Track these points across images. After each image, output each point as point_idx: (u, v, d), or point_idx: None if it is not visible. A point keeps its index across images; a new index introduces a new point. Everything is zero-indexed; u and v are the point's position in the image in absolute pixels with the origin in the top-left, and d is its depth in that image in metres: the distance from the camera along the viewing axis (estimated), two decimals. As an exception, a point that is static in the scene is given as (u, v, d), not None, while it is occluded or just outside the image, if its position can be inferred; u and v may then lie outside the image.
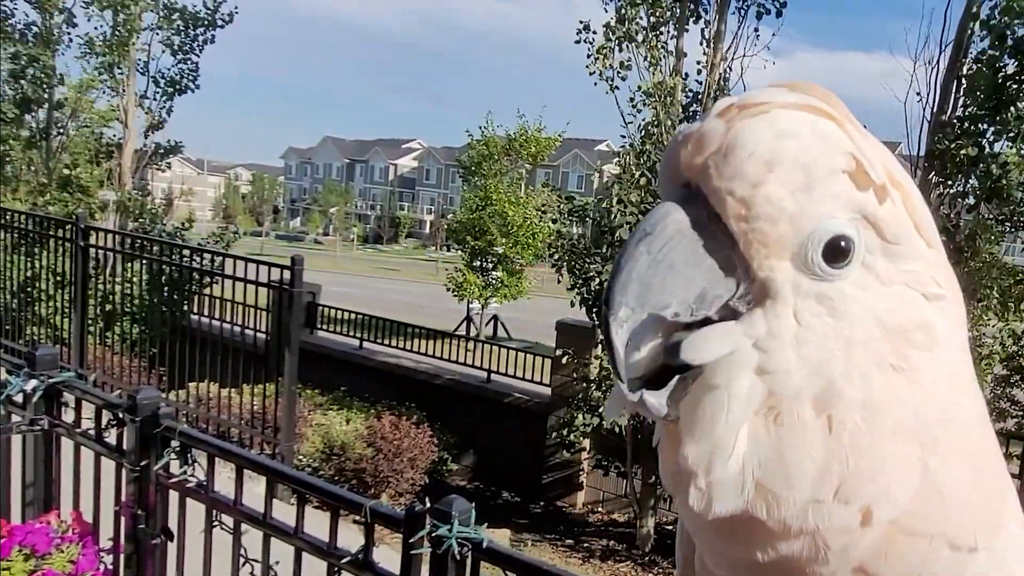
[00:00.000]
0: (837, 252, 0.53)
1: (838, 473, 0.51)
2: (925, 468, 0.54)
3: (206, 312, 7.03)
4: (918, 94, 8.79)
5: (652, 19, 9.33)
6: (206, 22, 12.92)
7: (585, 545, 9.67)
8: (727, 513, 0.52)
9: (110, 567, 2.54)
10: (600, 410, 8.88)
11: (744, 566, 0.56)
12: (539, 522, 10.39)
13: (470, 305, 21.96)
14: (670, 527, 10.50)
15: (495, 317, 23.15)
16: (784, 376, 0.51)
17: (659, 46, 9.40)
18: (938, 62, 8.71)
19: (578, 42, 9.61)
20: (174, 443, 2.40)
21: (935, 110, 8.73)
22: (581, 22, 9.65)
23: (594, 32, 9.55)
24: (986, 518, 0.58)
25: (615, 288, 0.52)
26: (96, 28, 12.51)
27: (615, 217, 8.90)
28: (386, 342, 13.05)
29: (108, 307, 7.92)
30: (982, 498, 0.57)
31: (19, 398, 2.73)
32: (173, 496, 2.47)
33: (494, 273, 21.14)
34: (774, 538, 0.53)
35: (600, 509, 11.19)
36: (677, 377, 0.53)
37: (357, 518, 2.11)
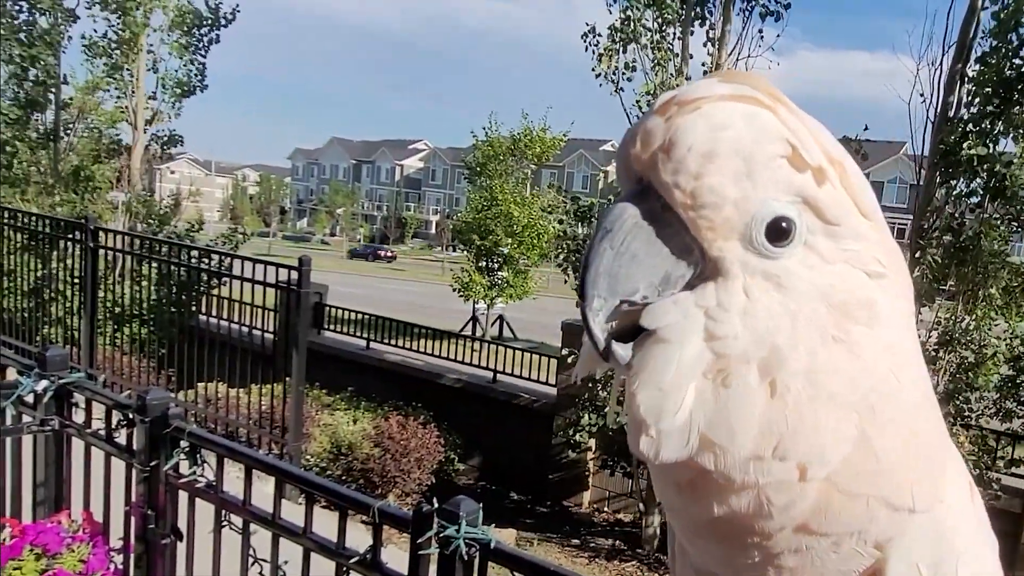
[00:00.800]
0: (779, 232, 0.57)
1: (778, 433, 0.56)
2: (861, 433, 0.58)
3: (214, 313, 7.05)
4: (921, 94, 8.77)
5: (658, 22, 9.33)
6: (210, 22, 12.97)
7: (591, 544, 9.66)
8: (673, 459, 0.56)
9: (120, 567, 2.54)
10: (606, 410, 8.87)
11: (704, 527, 0.61)
12: (545, 522, 10.39)
13: (476, 305, 21.96)
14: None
15: (501, 317, 23.14)
16: (732, 341, 0.56)
17: (664, 48, 9.39)
18: (941, 62, 8.68)
19: (586, 49, 9.63)
20: (183, 443, 2.41)
21: (939, 110, 8.70)
22: (587, 24, 9.67)
23: (599, 35, 9.56)
24: (923, 482, 0.62)
25: (587, 282, 0.57)
26: (95, 31, 12.56)
27: None
28: (393, 342, 13.07)
29: (117, 308, 7.94)
30: (918, 463, 0.62)
31: (30, 399, 2.74)
32: (182, 496, 2.47)
33: (500, 273, 21.13)
34: (723, 492, 0.58)
35: (606, 509, 11.19)
36: (642, 333, 0.58)
37: (365, 518, 2.11)
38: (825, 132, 0.60)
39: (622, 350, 0.58)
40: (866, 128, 8.78)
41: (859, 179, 0.61)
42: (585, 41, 9.60)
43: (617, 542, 9.77)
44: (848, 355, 0.58)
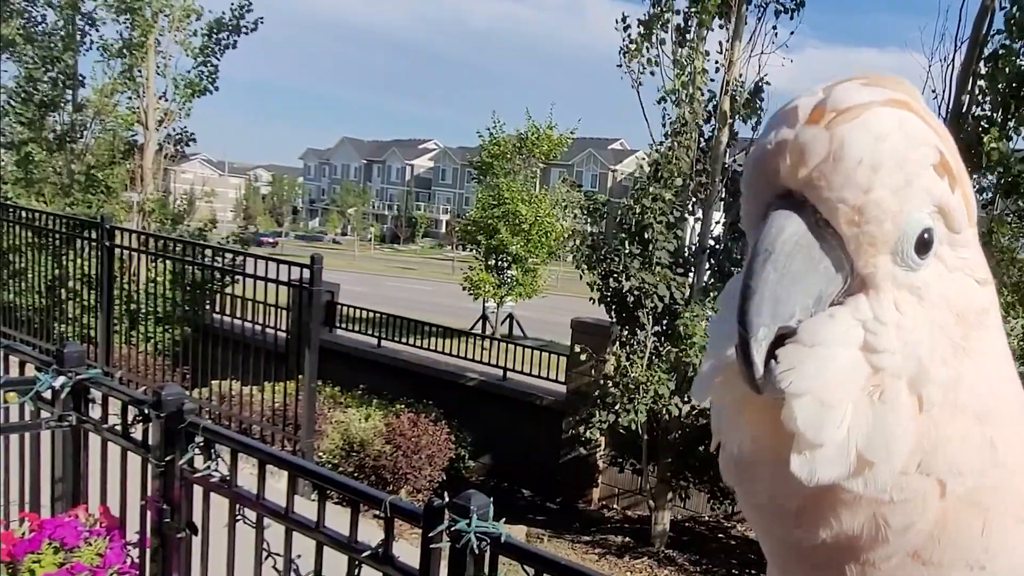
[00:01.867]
0: (924, 244, 0.56)
1: (923, 448, 0.54)
2: (991, 444, 0.57)
3: (228, 311, 7.09)
4: (934, 91, 8.70)
5: (687, 17, 9.38)
6: (230, 27, 13.03)
7: (601, 541, 9.66)
8: (829, 480, 0.53)
9: (136, 560, 2.57)
10: (616, 407, 8.86)
11: (802, 552, 0.58)
12: (555, 518, 10.39)
13: (485, 304, 21.98)
14: (686, 523, 10.45)
15: (510, 316, 23.15)
16: (889, 355, 0.54)
17: (691, 43, 9.43)
18: (953, 59, 8.61)
19: (622, 51, 9.66)
20: (198, 438, 2.43)
21: (951, 106, 8.63)
22: (616, 20, 9.68)
23: (629, 26, 9.59)
24: None
25: (750, 311, 0.53)
26: (118, 33, 12.66)
27: (646, 215, 8.96)
28: (404, 340, 13.10)
29: (133, 306, 8.01)
30: None
31: (48, 395, 2.77)
32: (197, 491, 2.49)
33: (509, 272, 21.14)
34: (838, 514, 0.55)
35: (615, 506, 11.18)
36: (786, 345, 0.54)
37: (377, 514, 2.12)
38: (950, 136, 0.59)
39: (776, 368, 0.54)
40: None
41: (970, 187, 0.60)
42: (617, 30, 9.66)
43: (627, 539, 9.76)
44: (973, 364, 0.57)
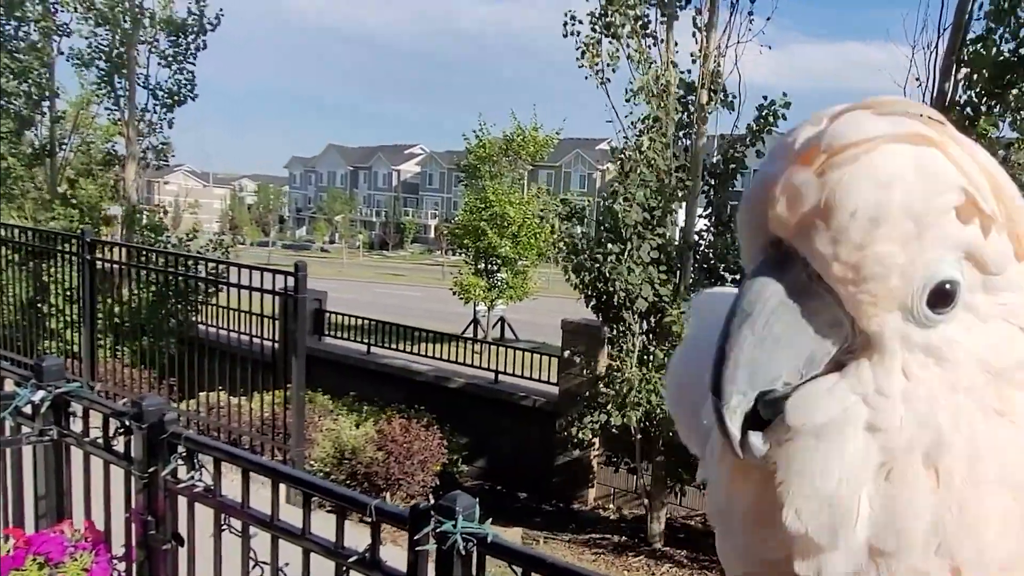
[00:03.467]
0: (943, 296, 0.49)
1: (944, 527, 0.48)
2: (1022, 522, 0.50)
3: (213, 322, 7.06)
4: (917, 78, 8.75)
5: (637, 9, 9.25)
6: (195, 29, 12.98)
7: (598, 541, 9.67)
8: None
9: (123, 574, 2.55)
10: (608, 407, 8.88)
11: None
12: (551, 520, 10.40)
13: (476, 308, 21.98)
14: (680, 521, 10.48)
15: (501, 319, 23.16)
16: (896, 433, 0.48)
17: (646, 37, 9.35)
18: (936, 46, 8.67)
19: (566, 35, 9.58)
20: (180, 449, 2.42)
21: (935, 94, 8.69)
22: (567, 13, 9.57)
23: (580, 22, 9.50)
24: None
25: (723, 378, 0.49)
26: (88, 42, 12.57)
27: (621, 216, 8.91)
28: (394, 346, 13.08)
29: (116, 320, 7.96)
30: None
31: (27, 410, 2.75)
32: (182, 502, 2.48)
33: (499, 275, 21.15)
34: None
35: (610, 505, 11.19)
36: (779, 418, 0.50)
37: (365, 519, 2.12)
38: (985, 156, 0.51)
39: (759, 440, 0.50)
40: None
41: (1020, 210, 0.52)
42: (566, 30, 9.52)
43: (623, 538, 9.77)
44: (1011, 428, 0.50)
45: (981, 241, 0.49)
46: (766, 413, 0.50)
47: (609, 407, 8.89)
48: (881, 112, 0.49)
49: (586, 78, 9.45)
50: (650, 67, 9.20)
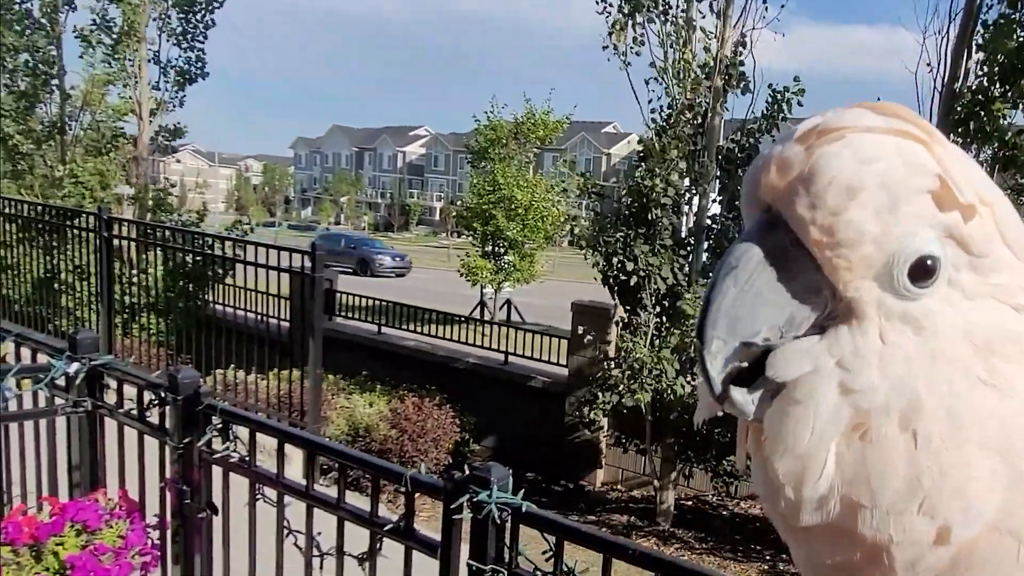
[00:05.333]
0: (923, 271, 0.53)
1: (925, 486, 0.52)
2: (1018, 475, 0.53)
3: (228, 301, 7.11)
4: (928, 64, 8.69)
5: None
6: (203, 5, 12.93)
7: (606, 521, 9.75)
8: (812, 524, 0.54)
9: (158, 541, 2.60)
10: (619, 388, 8.92)
11: (818, 569, 0.58)
12: (560, 499, 10.49)
13: (483, 290, 22.00)
14: (689, 502, 10.56)
15: (508, 301, 23.18)
16: (871, 394, 0.52)
17: (675, 20, 9.35)
18: (948, 31, 8.60)
19: (601, 12, 9.58)
20: (215, 420, 2.46)
21: (946, 80, 8.63)
22: None
23: (611, 5, 9.52)
24: None
25: (706, 323, 0.53)
26: (94, 19, 12.52)
27: (651, 197, 8.95)
28: (403, 327, 13.13)
29: (131, 298, 8.01)
30: None
31: (62, 382, 2.80)
32: (216, 472, 2.52)
33: (506, 257, 21.14)
34: (842, 544, 0.54)
35: (620, 486, 11.27)
36: (762, 377, 0.54)
37: (389, 496, 2.15)
38: (976, 169, 0.56)
39: (739, 395, 0.54)
40: (879, 100, 8.72)
41: (1011, 216, 0.56)
42: (598, 7, 9.55)
43: (632, 518, 9.85)
44: (998, 396, 0.53)
45: (961, 223, 0.53)
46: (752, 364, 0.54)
47: (620, 388, 8.93)
48: (879, 111, 0.54)
49: (608, 60, 9.46)
50: (683, 50, 9.22)
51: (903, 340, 0.52)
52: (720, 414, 0.57)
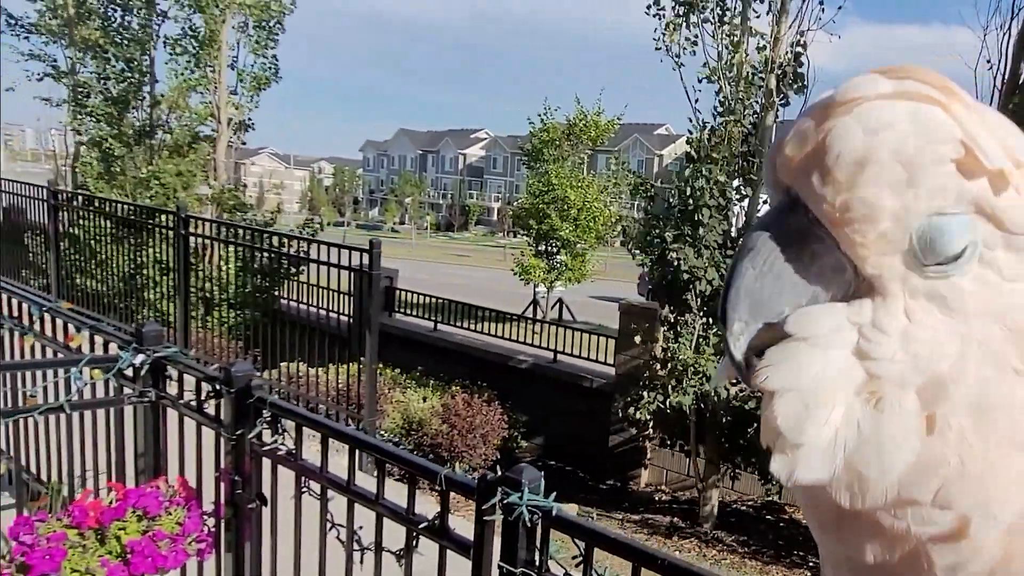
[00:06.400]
0: (949, 248, 0.48)
1: (941, 476, 0.47)
2: None
3: (294, 296, 7.25)
4: (988, 61, 8.24)
5: None
6: (276, 13, 13.27)
7: (649, 521, 9.59)
8: (809, 481, 0.49)
9: (212, 529, 2.65)
10: (664, 388, 8.75)
11: (854, 570, 0.53)
12: (605, 498, 10.37)
13: (536, 289, 21.97)
14: (733, 505, 10.29)
15: (560, 300, 23.09)
16: (887, 363, 0.48)
17: (730, 20, 9.14)
18: (1010, 27, 8.15)
19: (647, 12, 9.44)
20: (265, 413, 2.48)
21: (1007, 76, 8.17)
22: None
23: (662, 8, 9.37)
24: None
25: (727, 306, 0.51)
26: (182, 29, 13.00)
27: (698, 197, 8.78)
28: (459, 324, 13.21)
29: (206, 293, 8.26)
30: None
31: (129, 372, 2.88)
32: (266, 463, 2.55)
33: (558, 257, 21.07)
34: (873, 537, 0.50)
35: (664, 487, 11.08)
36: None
37: (433, 492, 2.13)
38: (1007, 125, 0.51)
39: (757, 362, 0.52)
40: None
41: None
42: (648, 13, 9.42)
43: (675, 519, 9.66)
44: None
45: (991, 196, 0.48)
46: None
47: (666, 388, 8.76)
48: (891, 75, 0.50)
49: (661, 60, 9.32)
50: (735, 50, 9.01)
51: (930, 319, 0.48)
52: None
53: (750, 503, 10.36)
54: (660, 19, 9.37)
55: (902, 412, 0.47)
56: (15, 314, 3.55)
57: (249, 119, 13.75)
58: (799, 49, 9.06)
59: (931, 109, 0.48)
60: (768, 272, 0.50)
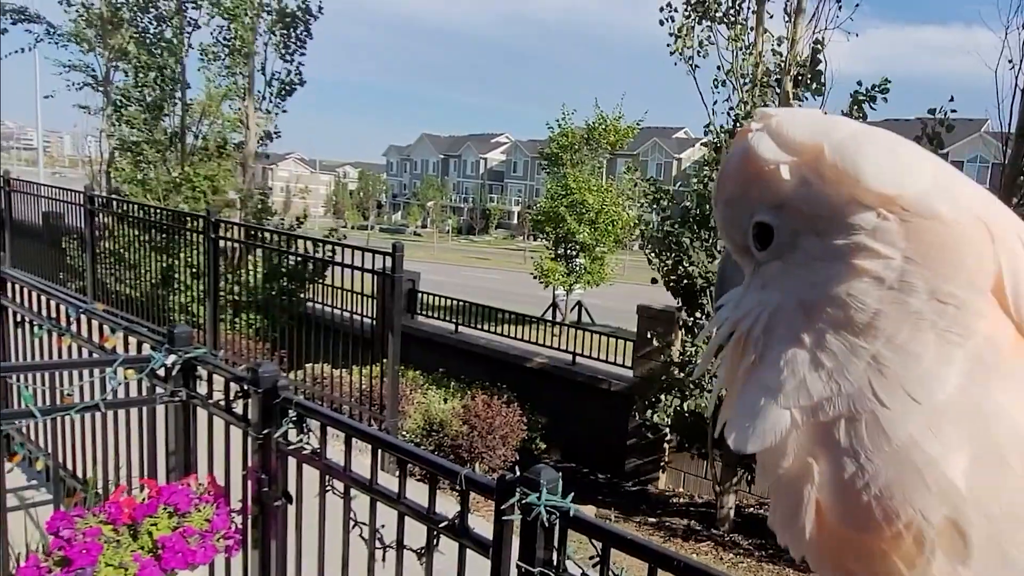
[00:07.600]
0: (759, 238, 0.59)
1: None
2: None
3: (320, 299, 7.33)
4: (1010, 60, 8.05)
5: None
6: (303, 19, 13.40)
7: (667, 524, 9.52)
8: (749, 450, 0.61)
9: (240, 526, 2.69)
10: (682, 392, 8.69)
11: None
12: (623, 500, 10.32)
13: (555, 292, 21.94)
14: (750, 508, 10.18)
15: (579, 303, 23.03)
16: (730, 324, 0.61)
17: (742, 22, 9.03)
18: (1034, 25, 7.95)
19: (662, 23, 9.37)
20: (291, 413, 2.52)
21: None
22: (668, 2, 9.36)
23: (675, 10, 9.30)
24: None
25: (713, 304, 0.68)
26: (215, 37, 13.18)
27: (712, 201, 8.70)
28: (479, 326, 13.23)
29: (234, 296, 8.36)
30: None
31: (161, 372, 2.94)
32: (292, 462, 2.59)
33: (577, 260, 21.02)
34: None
35: (681, 489, 11.00)
36: None
37: (454, 492, 2.15)
38: (816, 124, 0.56)
39: None
40: (952, 99, 8.17)
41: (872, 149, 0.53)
42: (662, 13, 9.35)
43: (692, 522, 9.58)
44: (803, 348, 0.55)
45: (794, 192, 0.55)
46: None
47: (684, 392, 8.69)
48: (759, 119, 0.59)
49: (675, 64, 9.23)
50: (748, 53, 8.90)
51: (755, 294, 0.59)
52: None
53: (767, 507, 10.25)
54: (671, 22, 9.29)
55: (735, 349, 0.60)
56: (53, 315, 3.64)
57: (276, 127, 13.92)
58: (816, 46, 8.89)
59: (762, 136, 0.57)
60: (722, 274, 0.67)
